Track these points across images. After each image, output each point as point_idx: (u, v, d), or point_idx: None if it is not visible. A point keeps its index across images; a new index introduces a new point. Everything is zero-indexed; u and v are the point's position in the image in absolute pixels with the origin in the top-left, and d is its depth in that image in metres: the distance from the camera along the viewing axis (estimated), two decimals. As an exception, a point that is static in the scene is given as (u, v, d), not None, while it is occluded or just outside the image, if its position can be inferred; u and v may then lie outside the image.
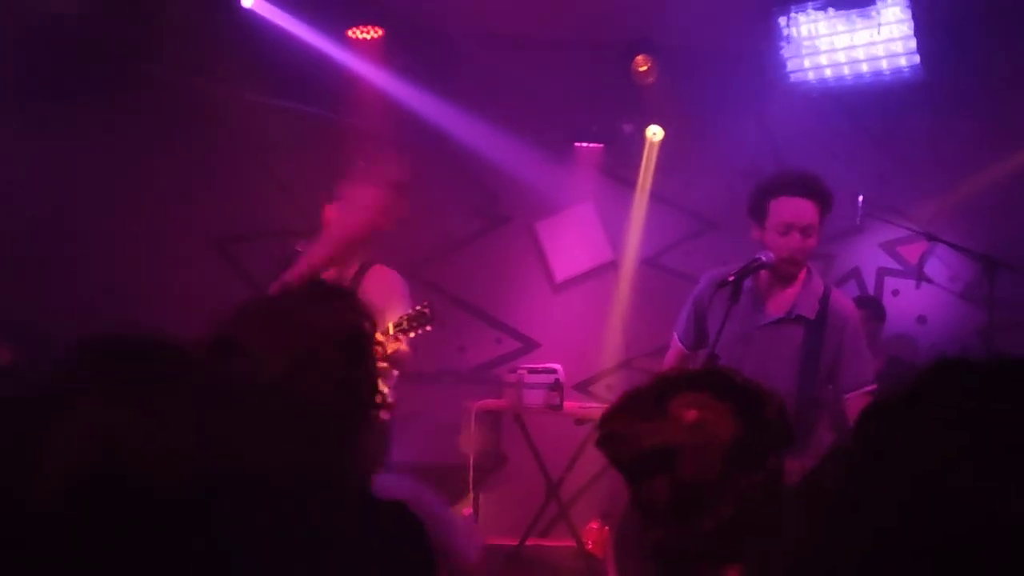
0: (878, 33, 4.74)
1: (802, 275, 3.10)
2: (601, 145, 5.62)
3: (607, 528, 4.55)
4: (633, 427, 1.29)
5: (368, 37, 5.23)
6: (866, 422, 0.69)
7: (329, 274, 4.09)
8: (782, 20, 4.91)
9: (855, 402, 3.01)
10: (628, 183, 5.68)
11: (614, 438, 1.31)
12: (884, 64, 4.84)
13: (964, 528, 0.59)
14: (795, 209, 2.98)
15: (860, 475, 0.66)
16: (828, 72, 4.98)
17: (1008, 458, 0.59)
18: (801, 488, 1.18)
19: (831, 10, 4.77)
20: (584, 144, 5.62)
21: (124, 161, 5.15)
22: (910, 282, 5.25)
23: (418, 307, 3.80)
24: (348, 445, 1.25)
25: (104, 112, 5.06)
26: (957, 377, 0.67)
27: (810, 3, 4.81)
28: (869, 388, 3.04)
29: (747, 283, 3.05)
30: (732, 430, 1.25)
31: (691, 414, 1.26)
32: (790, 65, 5.00)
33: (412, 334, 3.79)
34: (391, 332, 3.81)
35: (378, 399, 1.31)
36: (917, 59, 4.72)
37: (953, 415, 0.64)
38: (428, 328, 3.78)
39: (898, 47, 4.75)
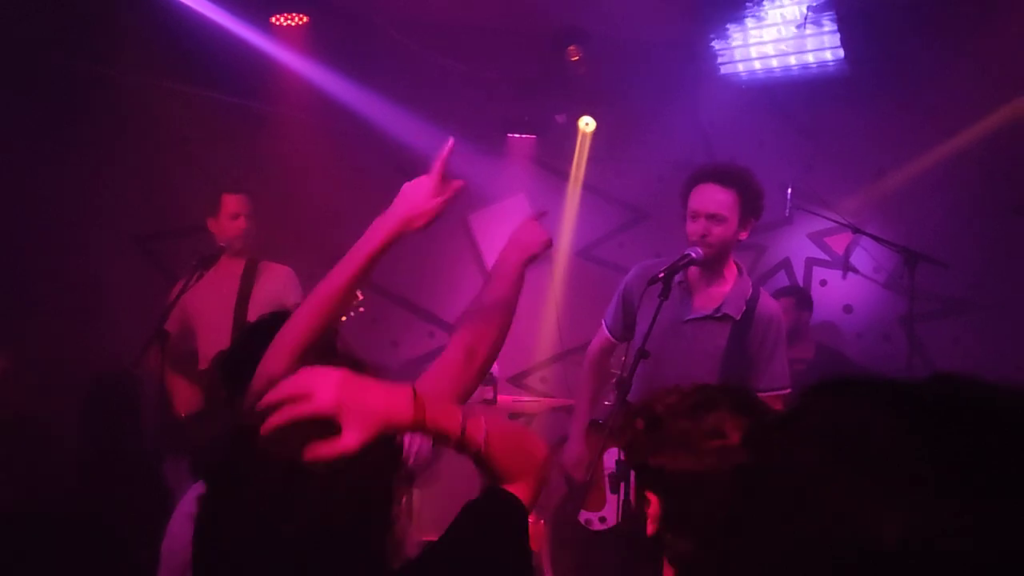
0: (804, 28, 4.81)
1: (732, 274, 3.13)
2: (534, 136, 5.58)
3: (542, 522, 4.53)
4: (666, 442, 1.27)
5: (293, 24, 5.08)
6: (748, 441, 0.70)
7: (211, 275, 3.88)
8: (712, 11, 4.95)
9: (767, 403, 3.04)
10: (561, 174, 5.66)
11: (643, 450, 1.31)
12: (811, 58, 4.92)
13: (832, 547, 0.59)
14: (703, 196, 3.02)
15: (742, 493, 0.67)
16: (757, 65, 5.03)
17: (878, 477, 0.59)
18: (692, 502, 1.19)
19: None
20: (516, 135, 5.58)
21: (38, 155, 4.92)
22: (837, 272, 5.36)
23: None
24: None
25: (16, 105, 4.82)
26: (833, 397, 0.67)
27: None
28: (782, 392, 3.08)
29: (677, 277, 3.05)
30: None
31: (736, 437, 1.25)
32: (721, 58, 5.04)
33: (343, 318, 3.70)
34: None
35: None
36: (842, 53, 4.81)
37: (824, 435, 0.64)
38: (361, 309, 3.71)
39: (824, 42, 4.83)
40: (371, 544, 1.20)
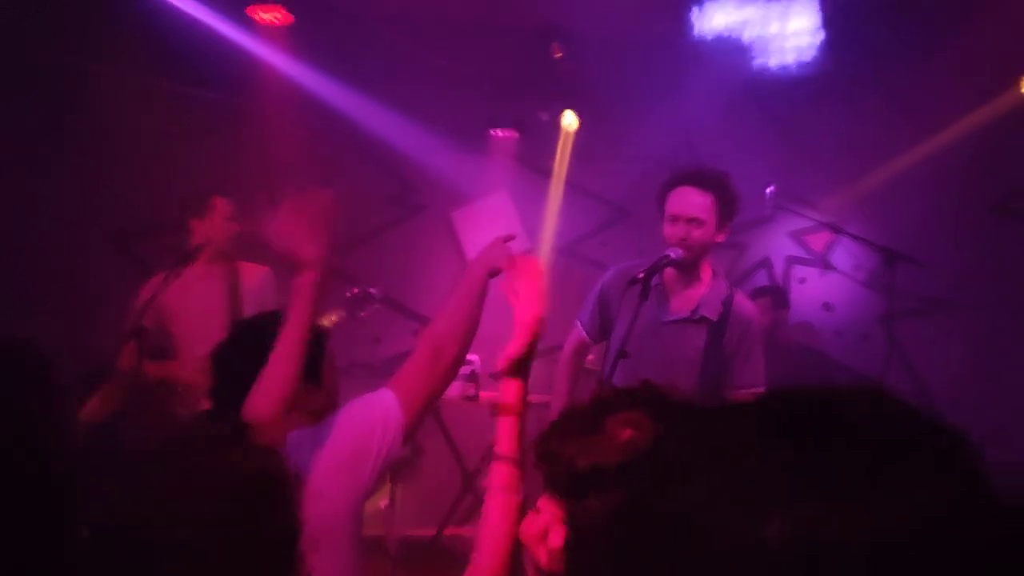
0: (786, 25, 4.84)
1: (707, 276, 3.15)
2: (516, 133, 5.59)
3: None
4: (569, 446, 1.27)
5: (273, 19, 5.06)
6: (623, 480, 0.74)
7: (190, 274, 3.87)
8: (695, 10, 4.97)
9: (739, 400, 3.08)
10: (543, 171, 5.67)
11: (549, 457, 1.29)
12: (791, 57, 4.95)
13: (721, 557, 0.62)
14: (681, 199, 3.04)
15: (625, 532, 0.71)
16: (739, 62, 5.05)
17: (748, 489, 0.63)
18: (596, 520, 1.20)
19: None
20: (499, 132, 5.58)
21: (16, 152, 4.88)
22: (816, 270, 5.40)
23: (348, 294, 3.71)
24: None
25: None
26: (691, 428, 0.71)
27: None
28: (755, 390, 3.11)
29: (653, 280, 3.07)
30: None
31: (626, 433, 1.25)
32: (703, 55, 5.06)
33: (327, 323, 3.71)
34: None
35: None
36: (823, 52, 4.84)
37: (693, 463, 0.67)
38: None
39: (805, 40, 4.86)
40: None
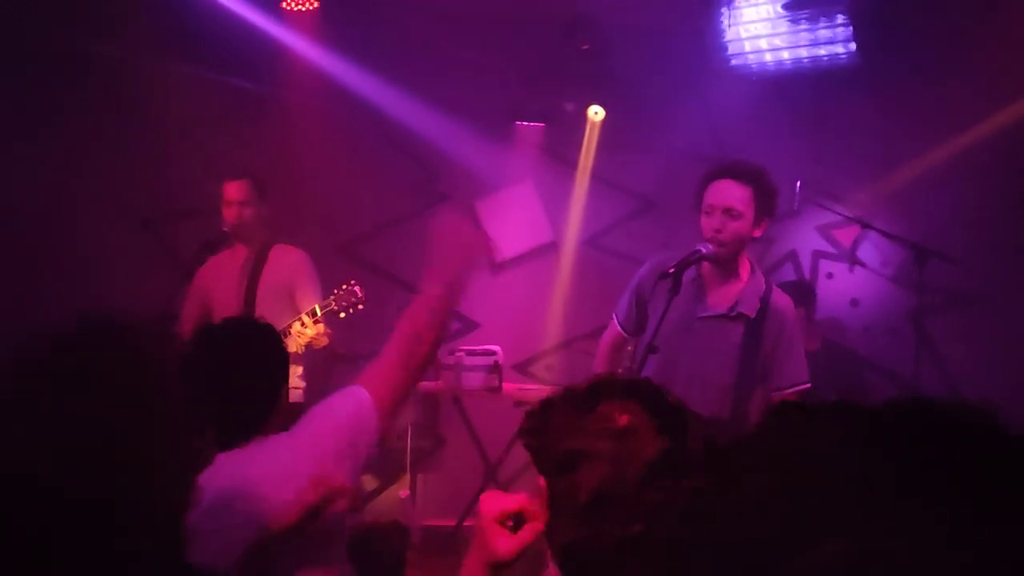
0: (817, 21, 4.78)
1: (745, 271, 3.10)
2: (542, 124, 5.57)
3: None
4: (558, 425, 1.26)
5: (303, 9, 5.07)
6: (705, 465, 0.71)
7: (225, 255, 4.04)
8: (723, 5, 4.92)
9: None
10: (569, 163, 5.64)
11: (536, 432, 1.29)
12: (823, 51, 4.89)
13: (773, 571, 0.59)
14: (718, 190, 3.00)
15: (694, 517, 0.67)
16: (768, 57, 5.01)
17: (820, 504, 0.59)
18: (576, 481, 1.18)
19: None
20: (525, 123, 5.56)
21: (47, 137, 4.94)
22: (844, 266, 5.34)
23: (345, 286, 3.72)
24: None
25: (24, 87, 4.83)
26: (789, 422, 0.67)
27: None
28: (801, 387, 3.07)
29: (690, 273, 3.04)
30: (655, 448, 1.23)
31: (623, 419, 1.24)
32: (731, 48, 5.01)
33: (343, 315, 3.72)
34: (318, 314, 3.73)
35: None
36: (854, 46, 4.77)
37: (773, 459, 0.64)
38: (360, 307, 3.71)
39: (836, 35, 4.80)
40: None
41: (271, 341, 1.97)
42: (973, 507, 0.56)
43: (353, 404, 1.88)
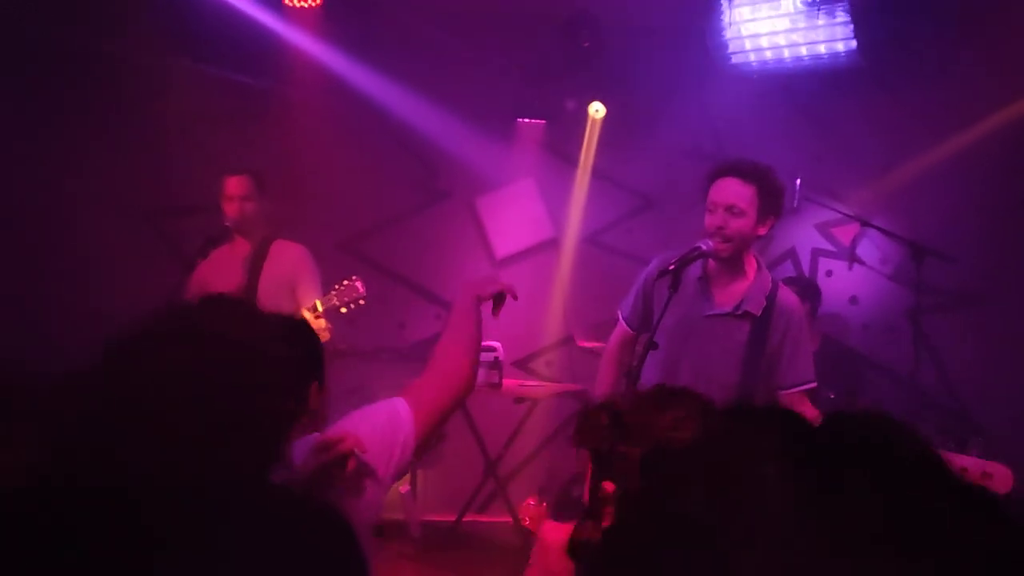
0: (817, 18, 4.79)
1: (751, 269, 3.11)
2: (543, 121, 5.58)
3: (543, 504, 4.57)
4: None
5: (305, 5, 5.08)
6: (645, 465, 0.73)
7: (225, 250, 4.06)
8: (723, 2, 4.93)
9: (789, 400, 3.05)
10: (570, 160, 5.66)
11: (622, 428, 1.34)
12: (822, 48, 4.90)
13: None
14: (721, 188, 3.01)
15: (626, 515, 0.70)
16: (768, 55, 5.01)
17: (745, 518, 0.60)
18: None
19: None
20: (526, 120, 5.58)
21: (47, 135, 4.94)
22: (843, 263, 5.36)
23: (346, 282, 3.74)
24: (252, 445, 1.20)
25: (25, 84, 4.84)
26: (725, 432, 0.69)
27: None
28: (807, 387, 3.08)
29: (695, 271, 3.05)
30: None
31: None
32: (731, 47, 5.03)
33: (344, 310, 3.73)
34: (319, 309, 3.75)
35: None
36: (854, 44, 4.78)
37: (712, 477, 0.65)
38: (361, 302, 3.73)
39: (837, 32, 4.81)
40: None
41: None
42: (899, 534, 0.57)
43: (389, 410, 1.88)
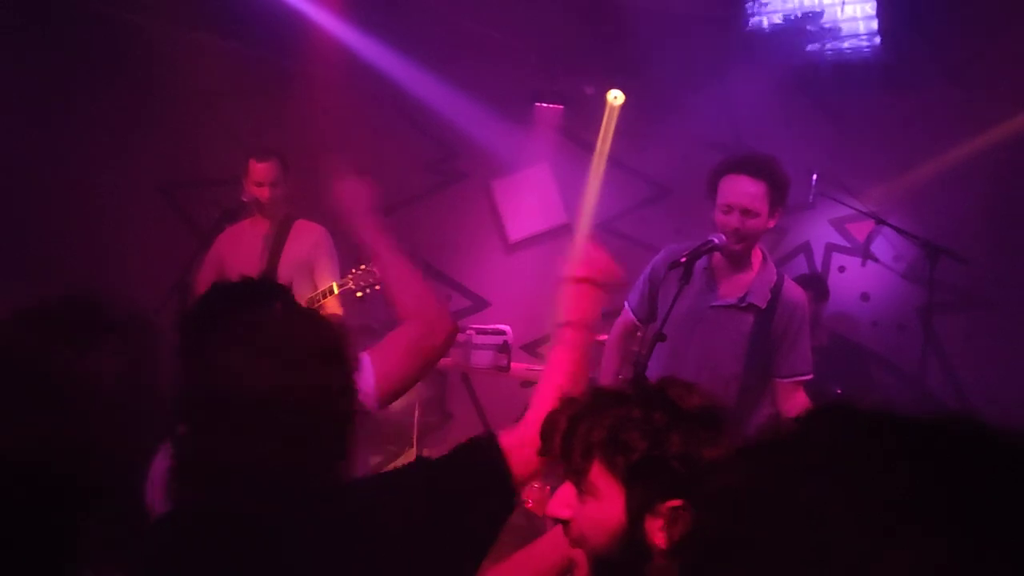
0: (841, 11, 4.76)
1: (757, 261, 3.12)
2: (561, 106, 5.58)
3: (548, 487, 4.60)
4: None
5: (328, -17, 5.08)
6: (742, 461, 0.69)
7: (244, 225, 4.08)
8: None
9: (784, 388, 3.09)
10: (586, 146, 5.65)
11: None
12: (846, 43, 4.87)
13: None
14: (734, 188, 3.00)
15: (732, 516, 0.65)
16: (791, 47, 4.97)
17: (882, 515, 0.59)
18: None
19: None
20: (544, 104, 5.57)
21: (63, 104, 4.97)
22: (856, 259, 5.34)
23: (363, 266, 3.77)
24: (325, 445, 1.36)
25: (40, 53, 4.86)
26: (833, 423, 0.66)
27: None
28: (802, 378, 3.10)
29: (702, 263, 3.06)
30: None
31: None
32: (754, 37, 4.99)
33: (360, 294, 3.76)
34: (335, 292, 3.78)
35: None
36: (878, 39, 4.75)
37: (822, 461, 0.63)
38: (377, 288, 3.76)
39: (860, 26, 4.78)
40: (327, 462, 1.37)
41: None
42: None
43: None
